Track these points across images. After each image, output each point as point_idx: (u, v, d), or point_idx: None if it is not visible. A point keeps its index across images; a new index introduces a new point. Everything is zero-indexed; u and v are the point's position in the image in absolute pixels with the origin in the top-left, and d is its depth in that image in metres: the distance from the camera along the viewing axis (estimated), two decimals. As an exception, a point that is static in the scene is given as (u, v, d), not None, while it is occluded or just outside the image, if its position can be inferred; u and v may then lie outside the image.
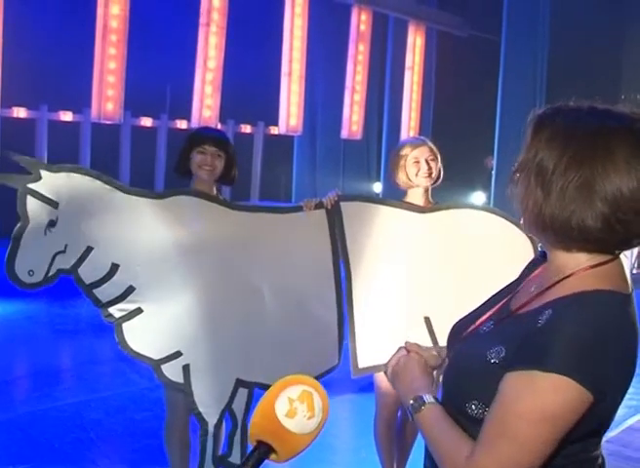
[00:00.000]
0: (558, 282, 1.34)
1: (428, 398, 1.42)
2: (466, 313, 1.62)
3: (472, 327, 1.50)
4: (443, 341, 1.63)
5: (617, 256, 1.35)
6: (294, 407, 1.26)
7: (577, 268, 1.33)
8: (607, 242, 1.30)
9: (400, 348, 1.60)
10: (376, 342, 3.30)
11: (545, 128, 1.33)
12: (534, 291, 1.42)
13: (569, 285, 1.32)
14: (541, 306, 1.32)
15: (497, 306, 1.50)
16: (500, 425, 1.25)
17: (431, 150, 3.43)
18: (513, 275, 1.62)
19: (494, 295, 1.60)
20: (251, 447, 1.29)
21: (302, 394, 1.27)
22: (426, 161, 3.39)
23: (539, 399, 1.22)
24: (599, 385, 1.23)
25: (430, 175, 3.40)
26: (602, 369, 1.23)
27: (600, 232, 1.27)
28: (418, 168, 3.39)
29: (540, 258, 1.55)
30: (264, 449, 1.26)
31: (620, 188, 1.24)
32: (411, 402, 1.43)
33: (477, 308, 1.59)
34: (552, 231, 1.31)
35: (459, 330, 1.54)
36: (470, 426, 1.34)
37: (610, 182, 1.25)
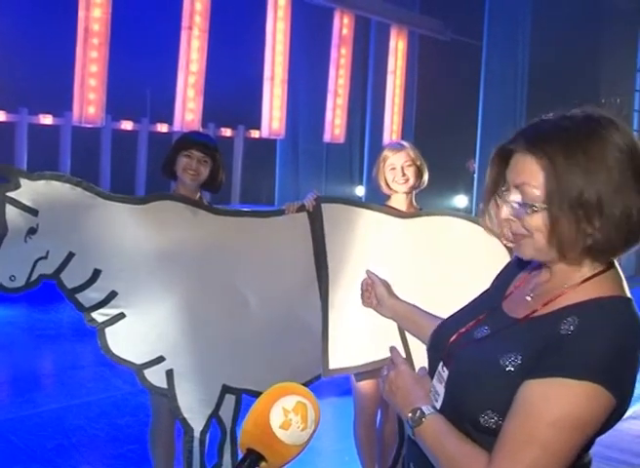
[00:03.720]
0: (569, 289, 1.34)
1: (427, 409, 1.39)
2: (448, 317, 1.61)
3: (461, 331, 1.47)
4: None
5: (614, 262, 1.36)
6: (288, 418, 1.25)
7: (585, 275, 1.34)
8: (621, 247, 1.32)
9: (389, 361, 1.56)
10: (348, 345, 3.30)
11: (557, 159, 1.28)
12: (534, 297, 1.41)
13: (582, 291, 1.32)
14: (557, 312, 1.32)
15: (484, 311, 1.49)
16: (528, 433, 1.22)
17: (409, 156, 3.42)
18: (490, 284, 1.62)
19: (474, 301, 1.59)
20: (241, 454, 1.28)
21: (297, 405, 1.26)
22: (402, 168, 3.39)
23: (572, 406, 1.21)
24: (623, 391, 1.25)
25: (407, 181, 3.40)
26: (625, 374, 1.25)
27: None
28: (394, 175, 3.40)
29: (518, 263, 1.55)
30: (255, 458, 1.25)
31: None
32: (409, 415, 1.40)
33: (459, 313, 1.57)
34: (594, 252, 1.30)
35: (445, 336, 1.51)
36: (481, 437, 1.32)
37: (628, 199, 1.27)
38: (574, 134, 1.30)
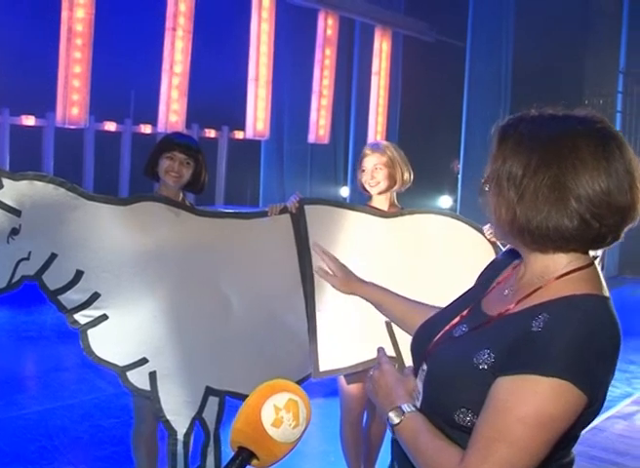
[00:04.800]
0: (543, 285, 1.35)
1: (407, 407, 1.40)
2: (431, 316, 1.61)
3: (442, 331, 1.48)
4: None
5: (593, 261, 1.36)
6: (280, 416, 1.24)
7: (559, 271, 1.34)
8: (583, 239, 1.32)
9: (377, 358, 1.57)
10: (336, 346, 3.31)
11: (510, 136, 1.34)
12: (510, 294, 1.42)
13: (555, 288, 1.33)
14: (529, 309, 1.32)
15: (465, 310, 1.50)
16: (498, 430, 1.23)
17: (380, 158, 3.42)
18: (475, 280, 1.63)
19: (458, 298, 1.60)
20: (229, 455, 1.27)
21: (289, 402, 1.26)
22: (372, 170, 3.40)
23: (540, 403, 1.21)
24: (594, 388, 1.24)
25: (377, 184, 3.41)
26: (596, 372, 1.25)
27: (576, 230, 1.29)
28: (364, 176, 3.42)
29: (503, 259, 1.56)
30: (246, 455, 1.24)
31: (590, 184, 1.27)
32: (389, 414, 1.41)
33: (442, 312, 1.58)
34: (529, 234, 1.32)
35: (428, 334, 1.52)
36: (456, 434, 1.33)
37: (580, 179, 1.27)
38: (545, 125, 1.33)
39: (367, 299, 2.05)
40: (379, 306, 2.00)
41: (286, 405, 1.25)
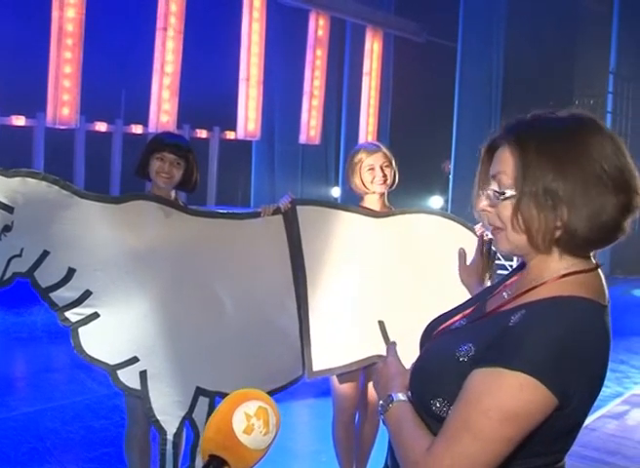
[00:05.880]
0: (535, 287, 1.35)
1: (397, 396, 1.42)
2: (441, 313, 1.62)
3: (444, 326, 1.50)
4: (398, 343, 1.63)
5: (597, 266, 1.36)
6: (251, 423, 1.25)
7: (558, 273, 1.34)
8: (605, 241, 1.32)
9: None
10: (330, 346, 3.31)
11: (529, 147, 1.31)
12: (509, 294, 1.44)
13: (545, 290, 1.33)
14: (515, 308, 1.33)
15: (470, 308, 1.52)
16: (464, 421, 1.24)
17: (386, 156, 3.45)
18: None
19: (470, 299, 1.62)
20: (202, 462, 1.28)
21: (259, 410, 1.27)
22: (381, 168, 3.41)
23: (503, 396, 1.22)
24: (565, 390, 1.23)
25: (385, 181, 3.42)
26: (569, 374, 1.23)
27: (610, 232, 1.30)
28: (372, 175, 3.41)
29: (519, 266, 1.57)
30: (218, 464, 1.25)
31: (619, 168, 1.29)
32: (381, 402, 1.44)
33: (452, 309, 1.59)
34: (560, 242, 1.31)
35: (431, 329, 1.55)
36: (433, 423, 1.34)
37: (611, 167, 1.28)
38: (554, 127, 1.33)
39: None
40: None
41: (256, 412, 1.27)
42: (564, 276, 1.33)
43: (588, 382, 1.27)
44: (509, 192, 1.32)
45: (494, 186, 1.36)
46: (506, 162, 1.34)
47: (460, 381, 1.29)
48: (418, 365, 1.45)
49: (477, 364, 1.27)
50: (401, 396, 1.42)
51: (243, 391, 1.32)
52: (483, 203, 1.38)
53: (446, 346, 1.38)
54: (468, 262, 2.05)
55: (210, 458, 1.26)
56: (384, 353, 3.05)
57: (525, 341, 1.23)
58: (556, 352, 1.22)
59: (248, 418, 1.25)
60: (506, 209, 1.33)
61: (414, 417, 1.37)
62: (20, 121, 9.64)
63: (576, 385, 1.24)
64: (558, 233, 1.30)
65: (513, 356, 1.22)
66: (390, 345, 1.61)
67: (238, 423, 1.25)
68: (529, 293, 1.35)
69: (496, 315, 1.38)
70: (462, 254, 2.03)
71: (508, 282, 1.52)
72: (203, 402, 3.15)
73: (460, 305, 1.58)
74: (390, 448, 1.50)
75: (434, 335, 1.50)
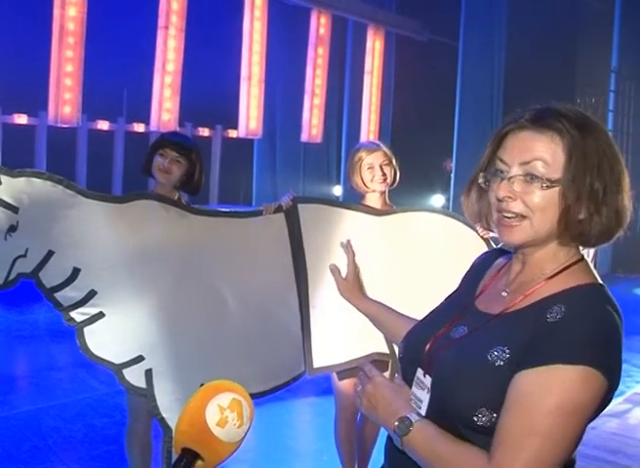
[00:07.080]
0: (546, 279, 1.36)
1: (414, 416, 1.35)
2: (417, 323, 1.60)
3: (437, 335, 1.44)
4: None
5: (582, 255, 1.40)
6: (225, 415, 1.23)
7: (560, 265, 1.36)
8: (611, 234, 1.36)
9: (360, 375, 1.51)
10: (330, 343, 3.31)
11: (583, 138, 1.33)
12: (512, 291, 1.42)
13: (560, 281, 1.35)
14: (539, 302, 1.33)
15: (455, 313, 1.48)
16: (527, 424, 1.21)
17: (386, 155, 3.47)
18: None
19: (443, 304, 1.59)
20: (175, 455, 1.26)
21: (232, 402, 1.25)
22: (381, 166, 3.42)
23: (569, 392, 1.21)
24: (613, 373, 1.26)
25: (385, 180, 3.44)
26: (613, 357, 1.27)
27: (623, 223, 1.35)
28: (372, 174, 3.42)
29: (482, 262, 1.59)
30: (191, 457, 1.23)
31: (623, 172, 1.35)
32: (396, 424, 1.35)
33: (430, 318, 1.56)
34: (579, 240, 1.36)
35: (419, 341, 1.48)
36: (476, 436, 1.29)
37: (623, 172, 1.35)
38: (592, 123, 1.36)
39: (362, 312, 2.10)
40: (373, 320, 2.05)
41: (230, 404, 1.24)
42: (567, 267, 1.36)
43: (621, 363, 1.31)
44: (556, 181, 1.31)
45: (523, 171, 1.33)
46: (550, 149, 1.32)
47: (499, 387, 1.27)
48: (442, 379, 1.37)
49: (519, 366, 1.25)
50: (417, 415, 1.36)
51: (216, 383, 1.29)
52: (504, 190, 1.34)
53: (470, 354, 1.34)
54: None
55: (183, 452, 1.23)
56: (385, 351, 3.08)
57: (578, 335, 1.24)
58: (603, 340, 1.25)
59: (221, 411, 1.23)
60: (544, 197, 1.32)
61: (443, 433, 1.31)
62: (21, 119, 9.63)
63: (618, 368, 1.28)
64: (587, 228, 1.32)
65: (570, 351, 1.23)
66: (364, 364, 1.52)
67: (211, 416, 1.22)
68: (542, 288, 1.35)
69: (513, 314, 1.36)
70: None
71: (487, 280, 1.52)
72: None
73: (438, 310, 1.56)
74: (387, 454, 1.47)
75: (432, 345, 1.44)
